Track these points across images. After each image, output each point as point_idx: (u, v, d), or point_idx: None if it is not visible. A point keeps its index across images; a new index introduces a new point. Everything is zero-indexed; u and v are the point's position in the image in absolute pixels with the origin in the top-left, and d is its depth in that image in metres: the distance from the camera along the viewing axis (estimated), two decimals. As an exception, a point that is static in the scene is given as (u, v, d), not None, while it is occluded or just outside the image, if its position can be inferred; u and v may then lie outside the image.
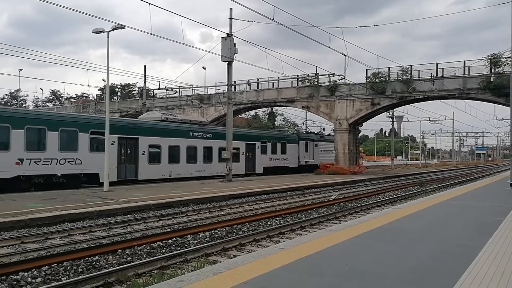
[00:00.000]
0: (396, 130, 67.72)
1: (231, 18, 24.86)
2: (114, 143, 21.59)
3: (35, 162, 18.28)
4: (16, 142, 17.70)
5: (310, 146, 40.55)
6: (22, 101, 73.10)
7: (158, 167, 24.32)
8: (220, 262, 6.98)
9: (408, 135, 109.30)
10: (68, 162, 19.49)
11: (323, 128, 49.23)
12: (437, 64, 33.93)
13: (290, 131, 54.20)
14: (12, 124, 17.69)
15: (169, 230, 10.47)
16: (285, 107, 45.11)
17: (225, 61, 25.18)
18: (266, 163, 34.37)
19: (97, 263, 7.35)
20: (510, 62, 31.28)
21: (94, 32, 18.16)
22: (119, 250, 8.14)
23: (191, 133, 27.02)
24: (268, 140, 35.07)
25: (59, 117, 20.84)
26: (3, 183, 17.30)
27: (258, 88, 40.74)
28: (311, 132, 44.01)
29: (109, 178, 19.46)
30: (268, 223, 11.97)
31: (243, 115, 60.00)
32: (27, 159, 17.96)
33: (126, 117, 40.34)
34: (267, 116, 74.09)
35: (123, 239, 9.35)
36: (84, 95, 76.86)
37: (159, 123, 25.62)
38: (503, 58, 31.84)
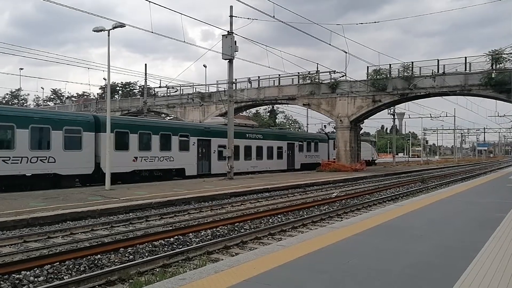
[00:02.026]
0: (398, 127, 67.52)
1: (231, 16, 24.80)
2: (195, 144, 26.33)
3: (144, 159, 22.97)
4: (132, 144, 22.39)
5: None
6: (23, 100, 73.04)
7: (225, 163, 27.49)
8: (222, 260, 7.00)
9: (410, 132, 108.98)
10: (165, 159, 24.22)
11: (324, 126, 49.41)
12: (438, 60, 33.72)
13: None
14: (130, 130, 22.43)
15: (171, 228, 10.48)
16: (286, 105, 45.17)
17: (226, 59, 25.13)
18: (303, 159, 38.37)
19: (99, 262, 7.36)
20: (511, 58, 31.18)
21: (94, 31, 18.11)
22: (121, 249, 8.16)
23: (247, 135, 31.74)
24: (304, 140, 39.43)
25: (159, 123, 26.00)
26: (124, 176, 21.68)
27: (259, 85, 40.73)
28: None
29: (191, 172, 25.68)
30: (270, 220, 11.97)
31: (244, 113, 59.95)
32: (139, 157, 22.55)
33: (127, 115, 40.50)
34: (268, 114, 74.10)
35: (125, 237, 9.36)
36: (85, 94, 76.88)
37: (224, 126, 28.86)
38: (504, 54, 31.73)
